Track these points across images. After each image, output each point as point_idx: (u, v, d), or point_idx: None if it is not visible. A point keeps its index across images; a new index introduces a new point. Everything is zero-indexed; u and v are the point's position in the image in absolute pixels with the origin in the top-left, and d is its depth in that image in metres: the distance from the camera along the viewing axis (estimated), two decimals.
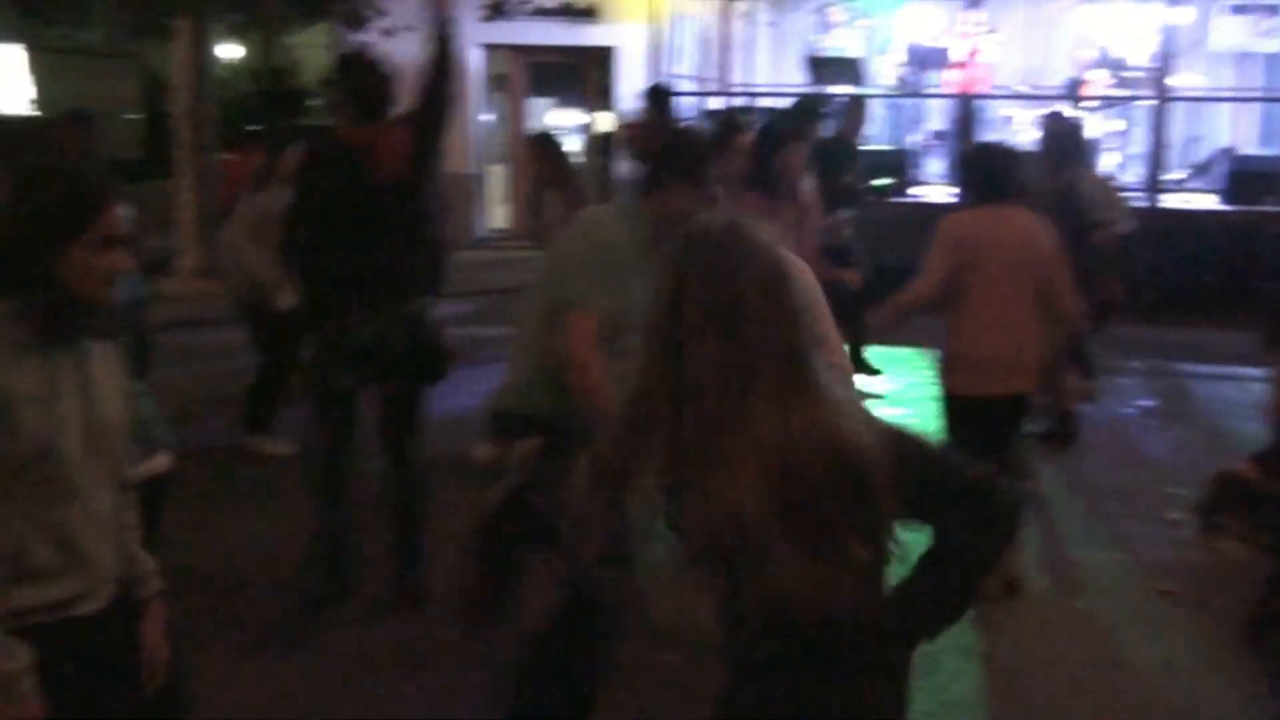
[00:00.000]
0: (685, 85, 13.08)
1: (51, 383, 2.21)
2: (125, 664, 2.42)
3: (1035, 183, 5.95)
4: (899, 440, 1.95)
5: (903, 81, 13.47)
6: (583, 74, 15.85)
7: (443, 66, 4.45)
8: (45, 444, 2.18)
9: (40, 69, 19.53)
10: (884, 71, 13.71)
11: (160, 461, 3.78)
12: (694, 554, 1.96)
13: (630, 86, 13.26)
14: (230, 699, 4.02)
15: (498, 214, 15.93)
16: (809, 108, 7.31)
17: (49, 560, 2.23)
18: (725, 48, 14.55)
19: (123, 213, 2.31)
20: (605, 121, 15.66)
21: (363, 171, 4.40)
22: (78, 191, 2.21)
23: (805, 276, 2.33)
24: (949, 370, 4.79)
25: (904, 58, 13.56)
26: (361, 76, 4.52)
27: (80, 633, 2.28)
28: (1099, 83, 12.74)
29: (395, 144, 4.44)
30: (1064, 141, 6.87)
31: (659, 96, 9.00)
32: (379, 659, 4.34)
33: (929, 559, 2.00)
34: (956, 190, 11.95)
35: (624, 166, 8.91)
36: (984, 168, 4.89)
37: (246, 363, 7.00)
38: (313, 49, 25.39)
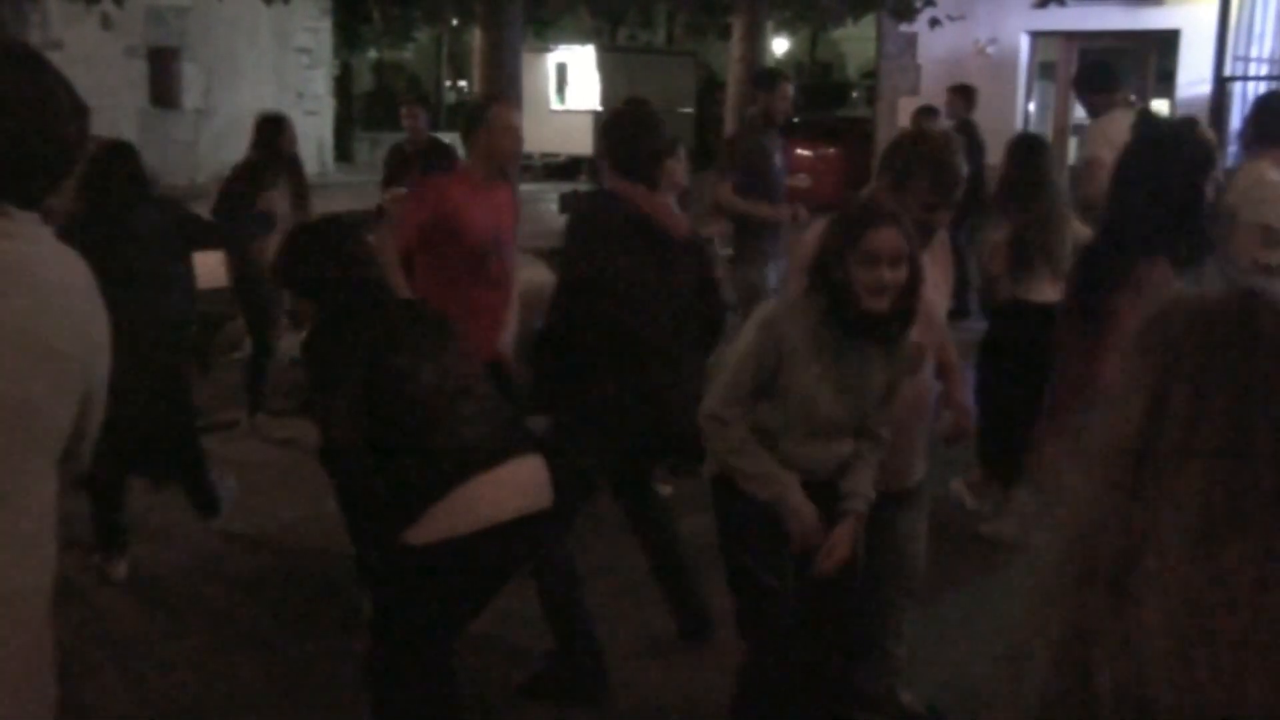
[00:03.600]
0: (1259, 69, 11.89)
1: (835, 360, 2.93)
2: None
3: None
4: None
5: None
6: (1140, 60, 14.87)
7: None
8: (809, 392, 2.89)
9: (607, 66, 21.23)
10: None
11: None
12: None
13: (1194, 72, 12.27)
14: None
15: None
16: None
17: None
18: None
19: (888, 238, 2.79)
20: (1164, 111, 14.63)
21: None
22: (850, 215, 2.85)
23: None
24: None
25: None
26: None
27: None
28: None
29: None
30: None
31: None
32: None
33: None
34: None
35: None
36: None
37: None
38: (858, 41, 25.77)
